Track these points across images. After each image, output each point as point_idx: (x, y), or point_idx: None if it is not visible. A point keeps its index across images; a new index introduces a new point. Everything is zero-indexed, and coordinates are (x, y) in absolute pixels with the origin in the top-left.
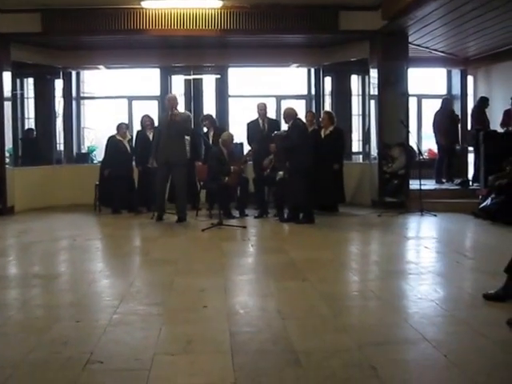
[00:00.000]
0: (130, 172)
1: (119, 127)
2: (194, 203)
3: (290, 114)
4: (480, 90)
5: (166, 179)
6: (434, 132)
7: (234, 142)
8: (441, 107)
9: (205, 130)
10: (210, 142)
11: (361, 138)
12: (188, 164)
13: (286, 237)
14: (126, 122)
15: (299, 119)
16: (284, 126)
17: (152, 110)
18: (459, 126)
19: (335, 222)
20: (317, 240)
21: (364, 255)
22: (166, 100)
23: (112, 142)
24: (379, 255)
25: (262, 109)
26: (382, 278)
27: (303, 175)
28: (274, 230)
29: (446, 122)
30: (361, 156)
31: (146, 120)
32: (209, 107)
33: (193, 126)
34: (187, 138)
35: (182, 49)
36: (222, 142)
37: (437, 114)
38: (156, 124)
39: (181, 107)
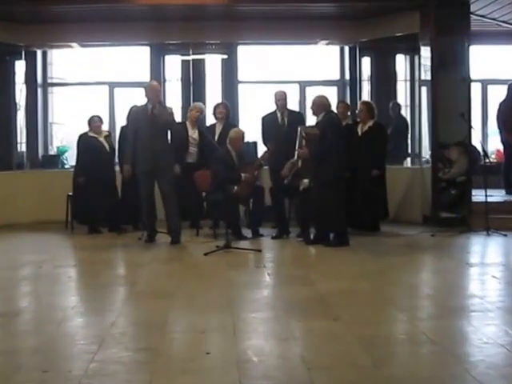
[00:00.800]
0: (111, 178)
1: (91, 121)
2: (193, 220)
3: (322, 105)
4: None
5: (152, 190)
6: (499, 127)
7: (245, 140)
8: (507, 96)
9: (208, 122)
10: (216, 138)
11: (409, 136)
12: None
13: (312, 263)
14: (107, 114)
15: (333, 112)
16: (310, 120)
17: (140, 99)
18: None
19: (376, 243)
20: (352, 267)
21: (413, 287)
22: (147, 89)
23: (84, 141)
24: (433, 287)
25: (281, 98)
26: (437, 317)
27: (337, 184)
28: (296, 255)
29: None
30: (409, 159)
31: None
32: (213, 96)
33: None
34: None
35: (178, 21)
36: (229, 141)
37: (501, 105)
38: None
39: (177, 96)
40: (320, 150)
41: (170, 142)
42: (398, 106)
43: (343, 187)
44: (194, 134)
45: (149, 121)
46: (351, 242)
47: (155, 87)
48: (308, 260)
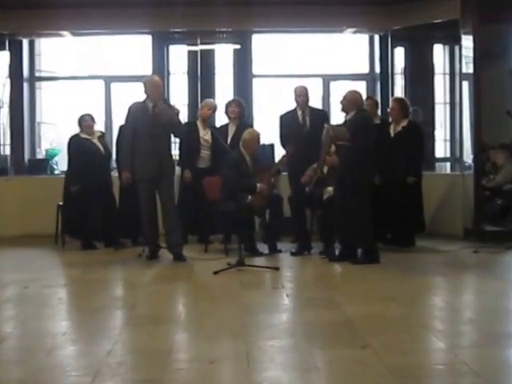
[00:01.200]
0: (108, 185)
1: (82, 120)
2: (201, 234)
3: (354, 101)
4: None
5: (155, 198)
6: None
7: (261, 143)
8: None
9: (219, 121)
10: (228, 140)
11: (448, 138)
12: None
13: (337, 283)
14: (103, 112)
15: (366, 111)
16: (335, 119)
17: (141, 96)
18: None
19: (410, 261)
20: (383, 288)
21: (453, 311)
22: (146, 85)
23: (75, 144)
24: (476, 311)
25: (302, 94)
26: (480, 345)
27: (363, 193)
28: (319, 274)
29: None
30: (448, 164)
31: None
32: (223, 92)
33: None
34: None
35: (184, 6)
36: (242, 144)
37: None
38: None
39: (183, 92)
40: (351, 157)
41: (177, 144)
42: (418, 113)
43: (370, 196)
44: (205, 135)
45: (150, 120)
46: (382, 258)
47: (157, 83)
48: (332, 280)
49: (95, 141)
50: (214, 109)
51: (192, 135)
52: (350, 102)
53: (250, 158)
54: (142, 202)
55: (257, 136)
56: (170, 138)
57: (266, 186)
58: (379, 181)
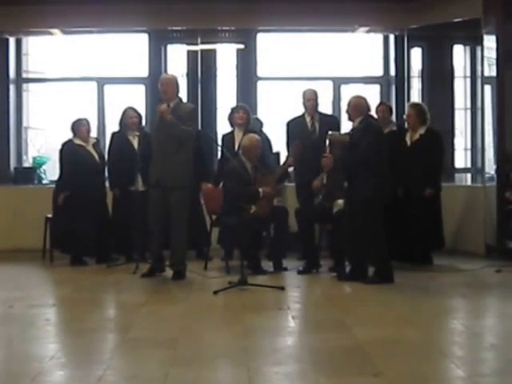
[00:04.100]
0: (101, 196)
1: (77, 125)
2: (200, 249)
3: (360, 107)
4: None
5: (163, 208)
6: None
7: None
8: None
9: (223, 128)
10: (236, 147)
11: (469, 146)
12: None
13: (348, 305)
14: (95, 116)
15: (372, 117)
16: (346, 125)
17: (137, 99)
18: None
19: (427, 280)
20: (397, 310)
21: (473, 335)
22: (159, 84)
23: (68, 151)
24: (498, 336)
25: (311, 99)
26: (502, 373)
27: (373, 207)
28: (329, 294)
29: None
30: (469, 175)
31: (130, 116)
32: (226, 94)
33: (200, 126)
34: None
35: (183, 3)
36: (243, 151)
37: None
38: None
39: (182, 94)
40: (348, 161)
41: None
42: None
43: (381, 210)
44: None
45: (158, 124)
46: (397, 278)
47: (169, 80)
48: (343, 301)
49: (90, 148)
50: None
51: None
52: (354, 108)
53: (252, 166)
54: (149, 209)
55: (256, 141)
56: (184, 145)
57: (270, 189)
58: (402, 194)
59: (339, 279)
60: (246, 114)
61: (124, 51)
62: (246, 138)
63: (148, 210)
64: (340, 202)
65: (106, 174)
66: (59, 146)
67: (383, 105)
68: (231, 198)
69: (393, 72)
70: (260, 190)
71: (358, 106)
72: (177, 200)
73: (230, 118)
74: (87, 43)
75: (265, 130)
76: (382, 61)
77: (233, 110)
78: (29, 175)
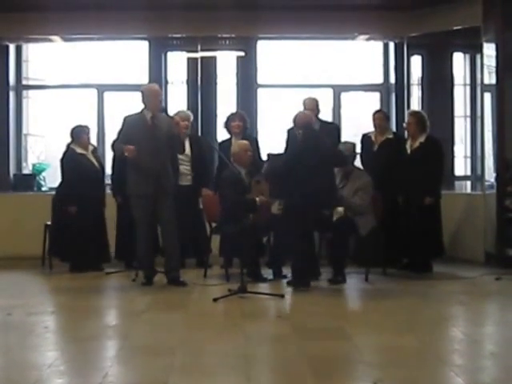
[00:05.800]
0: (101, 204)
1: (77, 132)
2: (200, 257)
3: (302, 119)
4: None
5: (152, 218)
6: None
7: (263, 158)
8: None
9: (223, 136)
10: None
11: (469, 154)
12: (192, 193)
13: (347, 312)
14: (95, 124)
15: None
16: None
17: (136, 106)
18: None
19: (426, 288)
20: (397, 318)
21: (473, 343)
22: (145, 93)
23: (70, 159)
24: (498, 344)
25: (312, 107)
26: (502, 381)
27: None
28: (328, 302)
29: None
30: (468, 183)
31: None
32: (226, 102)
33: (200, 133)
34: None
35: (183, 10)
36: (233, 158)
37: None
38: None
39: (181, 102)
40: (272, 168)
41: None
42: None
43: (292, 218)
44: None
45: (148, 133)
46: (397, 286)
47: (156, 91)
48: (342, 308)
49: (90, 156)
50: (189, 119)
51: None
52: (299, 120)
53: (247, 171)
54: (138, 221)
55: (244, 145)
56: (169, 151)
57: (267, 198)
58: (402, 201)
59: (331, 283)
60: (242, 122)
61: (124, 58)
62: (234, 144)
63: (138, 221)
64: (340, 209)
65: (107, 181)
66: (59, 153)
67: (380, 112)
68: (228, 206)
69: (393, 80)
70: (257, 199)
71: (301, 118)
72: (168, 205)
73: (227, 126)
74: (87, 50)
75: (264, 138)
76: (382, 68)
77: (229, 118)
78: (28, 182)
